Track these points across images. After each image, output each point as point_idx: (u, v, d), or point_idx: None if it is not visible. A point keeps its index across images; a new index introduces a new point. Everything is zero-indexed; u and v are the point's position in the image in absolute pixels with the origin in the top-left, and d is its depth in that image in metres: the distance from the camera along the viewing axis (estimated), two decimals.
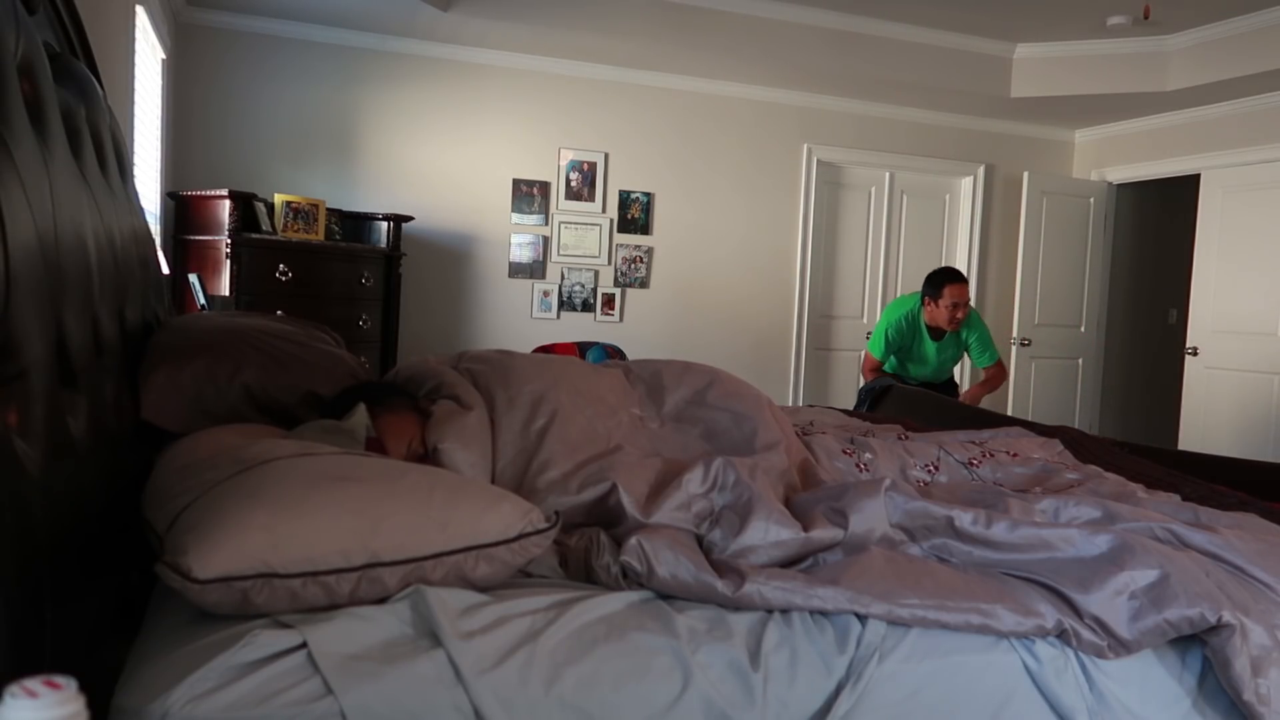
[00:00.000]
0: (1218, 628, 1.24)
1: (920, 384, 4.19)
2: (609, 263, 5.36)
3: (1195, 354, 5.51)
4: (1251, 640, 1.24)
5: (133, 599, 1.37)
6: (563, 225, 5.25)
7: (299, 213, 4.16)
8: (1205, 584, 1.28)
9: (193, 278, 3.53)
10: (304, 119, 4.76)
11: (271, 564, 1.05)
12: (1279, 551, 1.41)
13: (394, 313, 4.56)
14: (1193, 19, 4.73)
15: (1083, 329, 6.24)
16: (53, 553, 0.96)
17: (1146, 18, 4.50)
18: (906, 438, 2.15)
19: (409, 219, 4.66)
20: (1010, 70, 5.41)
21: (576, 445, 1.66)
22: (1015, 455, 2.05)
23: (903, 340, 4.17)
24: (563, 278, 5.29)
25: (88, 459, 1.15)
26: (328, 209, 4.39)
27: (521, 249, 5.19)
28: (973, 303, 6.08)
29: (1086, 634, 1.24)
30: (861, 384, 4.55)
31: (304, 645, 1.01)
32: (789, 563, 1.39)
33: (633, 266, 5.40)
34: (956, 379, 4.64)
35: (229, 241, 3.87)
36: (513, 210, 5.15)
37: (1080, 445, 2.22)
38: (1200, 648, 1.29)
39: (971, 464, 1.97)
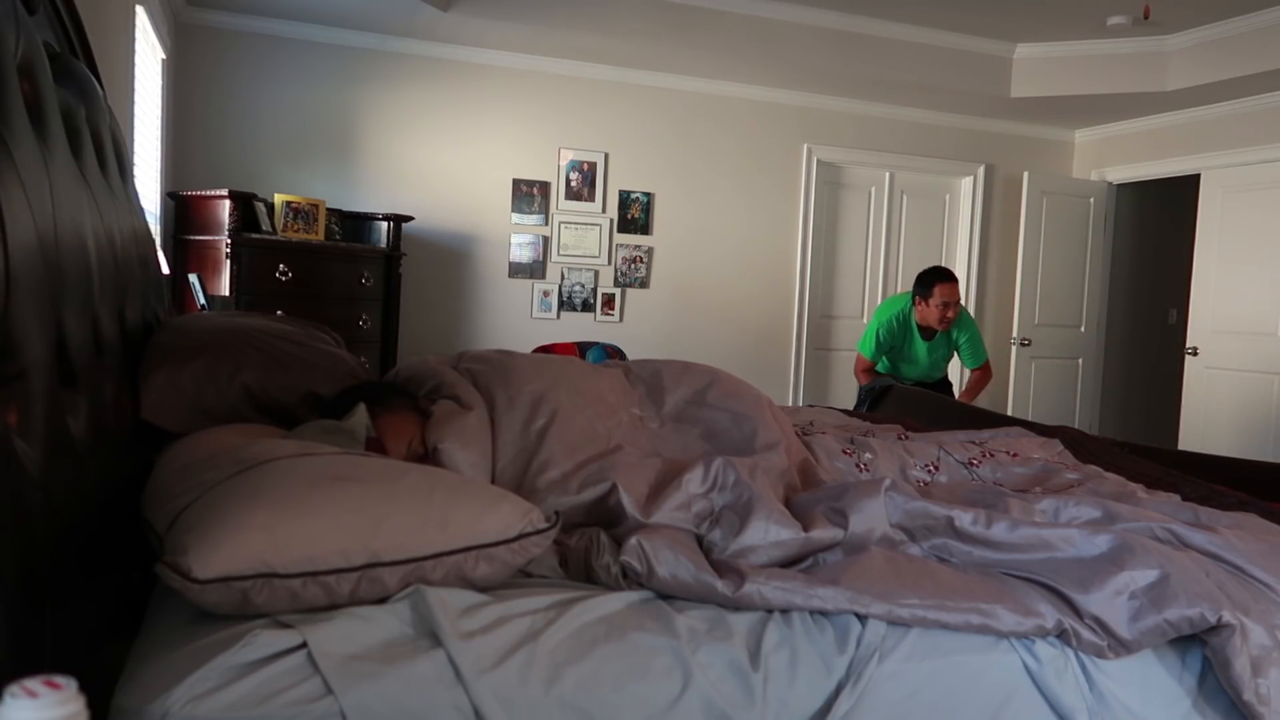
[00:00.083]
0: (1218, 628, 1.24)
1: (914, 384, 4.19)
2: (609, 263, 5.36)
3: (1195, 354, 5.51)
4: (1251, 640, 1.24)
5: (133, 599, 1.37)
6: (563, 225, 5.25)
7: (299, 213, 4.16)
8: (1205, 584, 1.28)
9: (193, 278, 3.53)
10: (304, 119, 4.76)
11: (271, 564, 1.05)
12: (1279, 551, 1.41)
13: (394, 313, 4.56)
14: (1193, 19, 4.74)
15: (1083, 329, 6.24)
16: (53, 553, 0.96)
17: (1146, 18, 4.50)
18: (906, 438, 2.15)
19: (409, 219, 4.66)
20: (1010, 70, 5.41)
21: (576, 445, 1.66)
22: (1015, 455, 2.05)
23: (894, 340, 4.16)
24: (563, 278, 5.29)
25: (88, 459, 1.15)
26: (328, 209, 4.39)
27: (521, 249, 5.19)
28: (972, 303, 6.11)
29: (1086, 634, 1.24)
30: (845, 385, 4.55)
31: (304, 645, 1.01)
32: (789, 563, 1.39)
33: (633, 266, 5.41)
34: (951, 378, 4.63)
35: (229, 241, 3.87)
36: (513, 210, 5.15)
37: (1080, 445, 2.22)
38: (1200, 648, 1.29)
39: (971, 464, 1.97)
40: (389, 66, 4.87)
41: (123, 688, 0.97)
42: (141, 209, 2.36)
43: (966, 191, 6.12)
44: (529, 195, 5.17)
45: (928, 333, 4.14)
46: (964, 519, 1.43)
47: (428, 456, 1.58)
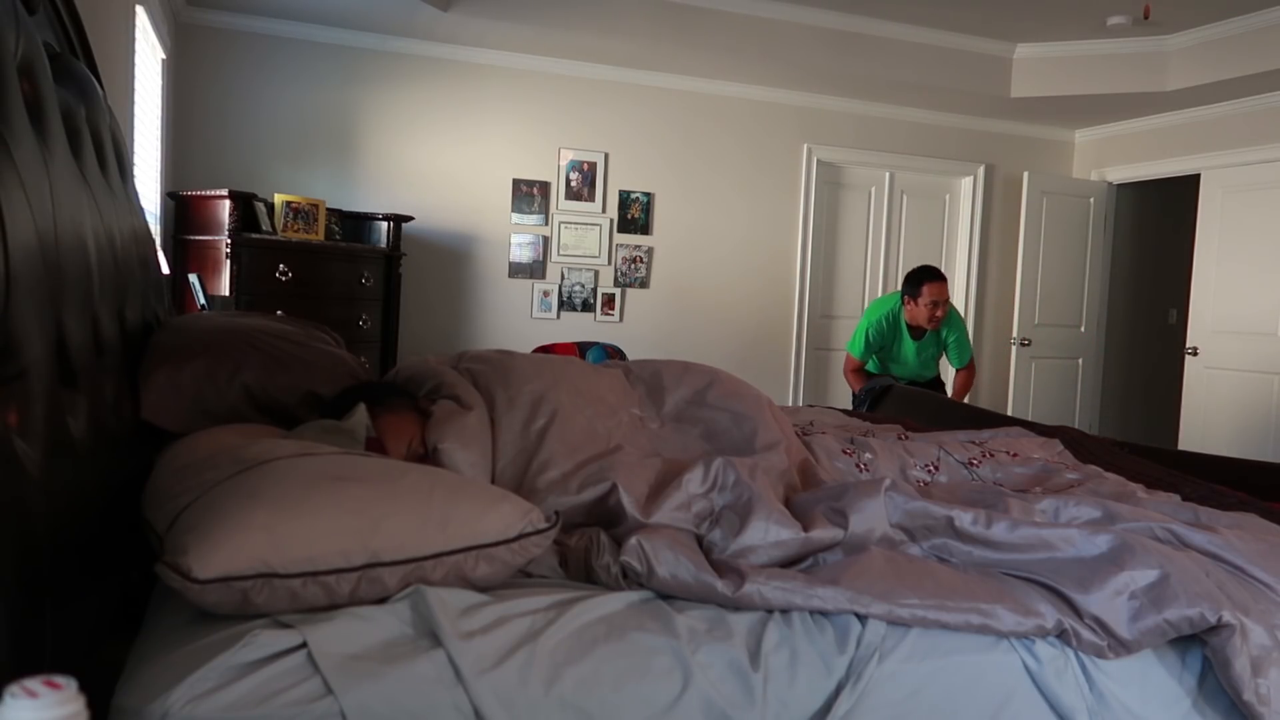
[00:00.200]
0: (1218, 628, 1.24)
1: (907, 384, 4.19)
2: (609, 263, 5.36)
3: (1195, 354, 5.51)
4: (1251, 640, 1.24)
5: (133, 599, 1.37)
6: (563, 225, 5.25)
7: (299, 213, 4.16)
8: (1205, 584, 1.28)
9: (193, 278, 3.53)
10: (304, 119, 4.76)
11: (271, 564, 1.05)
12: (1279, 551, 1.41)
13: (394, 313, 4.56)
14: (1193, 19, 4.73)
15: (1083, 329, 6.24)
16: (53, 553, 0.96)
17: (1146, 18, 4.50)
18: (906, 438, 2.15)
19: (409, 219, 4.66)
20: (1010, 70, 5.41)
21: (576, 445, 1.66)
22: (1015, 455, 2.05)
23: (883, 340, 4.16)
24: (563, 278, 5.29)
25: (88, 459, 1.15)
26: (328, 209, 4.39)
27: (521, 249, 5.19)
28: (972, 303, 6.11)
29: (1086, 634, 1.24)
30: (845, 385, 4.55)
31: (304, 645, 1.01)
32: (789, 563, 1.39)
33: (633, 266, 5.40)
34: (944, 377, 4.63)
35: (229, 241, 3.87)
36: (513, 210, 5.15)
37: (1080, 445, 2.22)
38: (1200, 648, 1.29)
39: (971, 464, 1.97)
40: (389, 66, 4.87)
41: (123, 688, 0.97)
42: (141, 209, 2.36)
43: (966, 191, 6.12)
44: (529, 195, 5.17)
45: (917, 332, 4.14)
46: (964, 519, 1.43)
47: (428, 456, 1.58)
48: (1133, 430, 6.49)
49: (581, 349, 4.21)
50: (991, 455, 2.02)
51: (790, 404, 5.36)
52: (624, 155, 5.34)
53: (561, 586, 1.28)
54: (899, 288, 4.21)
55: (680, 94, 5.42)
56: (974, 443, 2.11)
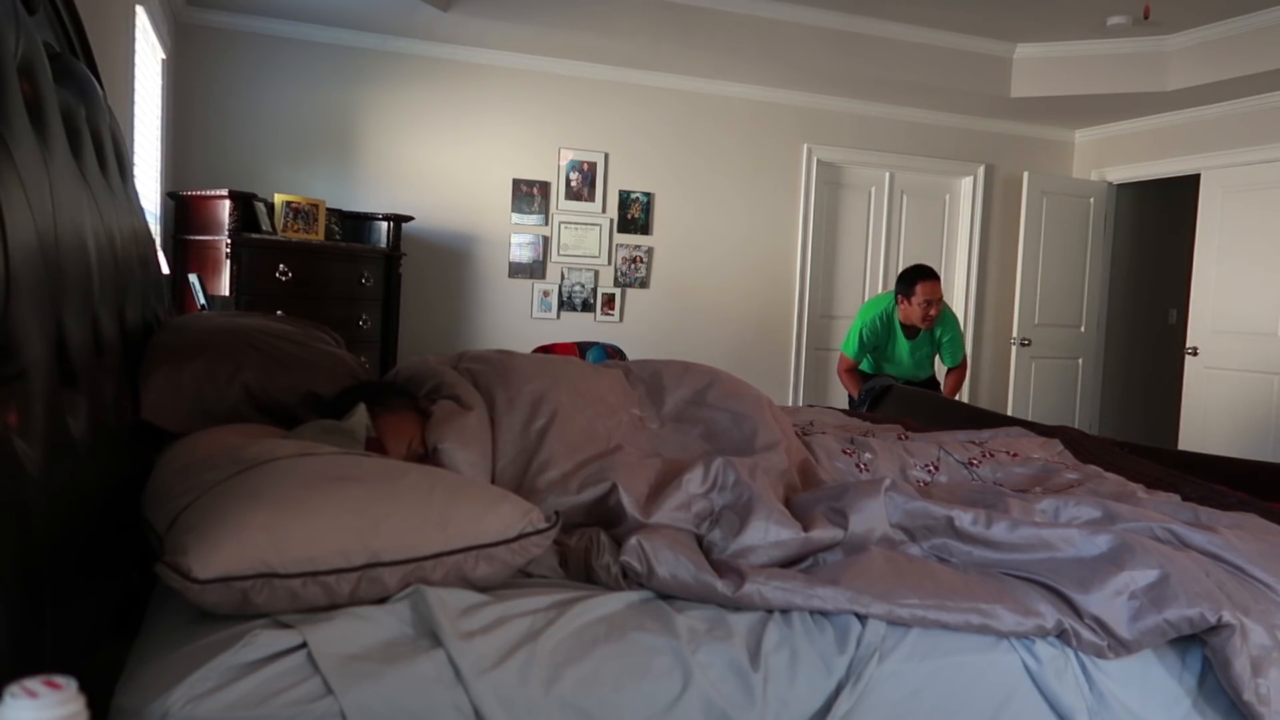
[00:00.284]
0: (1218, 628, 1.24)
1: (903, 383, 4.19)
2: (609, 263, 5.36)
3: (1195, 354, 5.51)
4: (1251, 640, 1.24)
5: (133, 599, 1.37)
6: (563, 225, 5.25)
7: (299, 213, 4.16)
8: (1205, 584, 1.28)
9: (193, 278, 3.53)
10: (304, 119, 4.76)
11: (271, 564, 1.05)
12: (1279, 551, 1.41)
13: (394, 313, 4.56)
14: (1193, 19, 4.74)
15: (1083, 329, 6.24)
16: (53, 553, 0.96)
17: (1146, 18, 4.50)
18: (906, 438, 2.15)
19: (409, 219, 4.66)
20: (1010, 70, 5.41)
21: (576, 445, 1.66)
22: (1015, 455, 2.05)
23: (877, 340, 4.16)
24: (563, 278, 5.29)
25: (88, 459, 1.15)
26: (328, 209, 4.39)
27: (521, 249, 5.19)
28: (972, 303, 6.11)
29: (1086, 634, 1.24)
30: (839, 384, 4.55)
31: (304, 645, 1.01)
32: (789, 563, 1.39)
33: (633, 266, 5.41)
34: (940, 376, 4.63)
35: (229, 241, 3.87)
36: (513, 210, 5.15)
37: (1080, 445, 2.22)
38: (1200, 648, 1.29)
39: (971, 464, 1.97)
40: (389, 66, 4.87)
41: (123, 688, 0.97)
42: (141, 209, 2.36)
43: (966, 191, 6.12)
44: (529, 195, 5.17)
45: (911, 331, 4.14)
46: (964, 519, 1.43)
47: (428, 456, 1.58)
48: (1133, 430, 6.50)
49: (581, 349, 4.21)
50: (991, 455, 2.02)
51: (790, 404, 5.36)
52: (624, 155, 5.34)
53: (561, 586, 1.28)
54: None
55: (680, 94, 5.42)
56: (974, 443, 2.11)
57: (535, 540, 1.23)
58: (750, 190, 5.60)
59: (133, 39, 3.29)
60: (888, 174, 5.94)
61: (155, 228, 3.82)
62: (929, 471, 1.93)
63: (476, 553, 1.18)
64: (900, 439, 2.11)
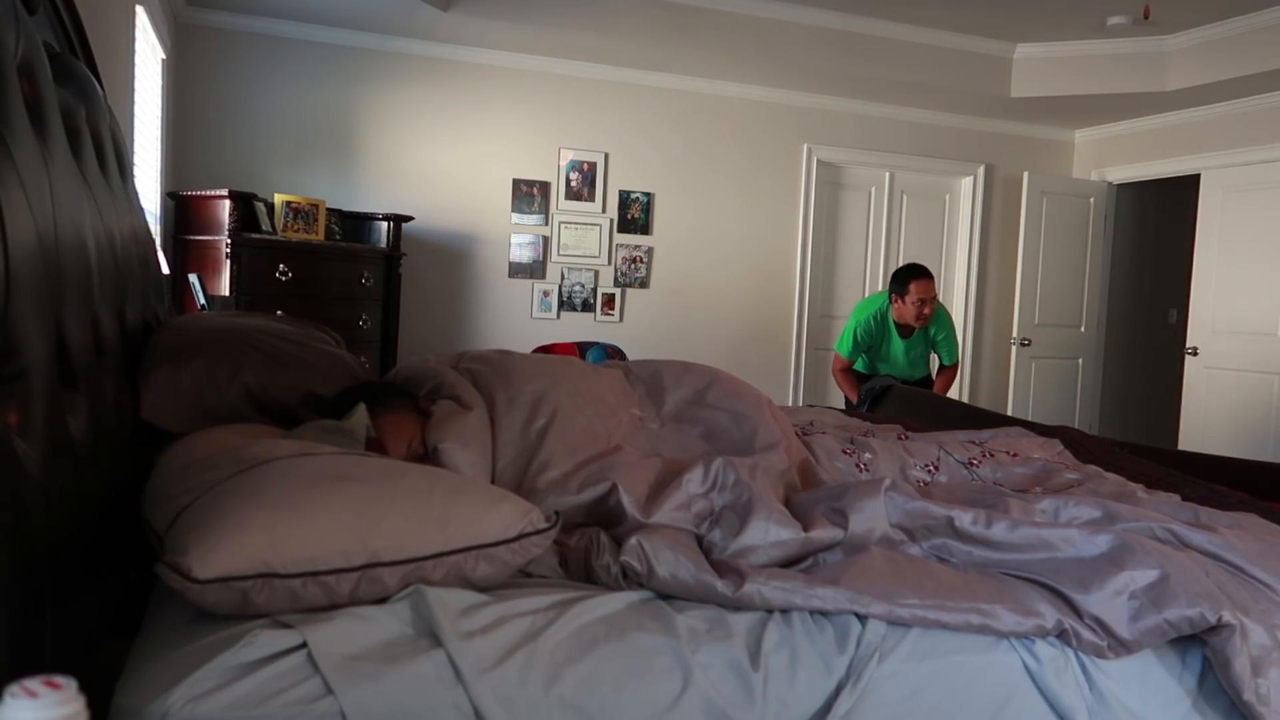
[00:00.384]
0: (1218, 628, 1.24)
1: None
2: (609, 263, 5.36)
3: (1195, 354, 5.51)
4: (1251, 640, 1.24)
5: (133, 599, 1.37)
6: (563, 225, 5.25)
7: (299, 213, 4.16)
8: (1205, 584, 1.28)
9: (193, 278, 3.53)
10: (304, 119, 4.76)
11: (271, 564, 1.05)
12: (1279, 551, 1.41)
13: (394, 313, 4.56)
14: (1193, 19, 4.74)
15: (1083, 329, 6.24)
16: (53, 553, 0.96)
17: (1146, 18, 4.50)
18: (906, 438, 2.15)
19: (409, 219, 4.66)
20: (1010, 70, 5.41)
21: (576, 445, 1.66)
22: (1015, 455, 2.05)
23: (871, 339, 4.16)
24: (563, 278, 5.29)
25: (88, 459, 1.15)
26: (328, 209, 4.39)
27: (521, 249, 5.19)
28: (972, 303, 6.11)
29: (1086, 634, 1.24)
30: (833, 385, 4.55)
31: (304, 645, 1.01)
32: (789, 563, 1.39)
33: (633, 266, 5.41)
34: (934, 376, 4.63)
35: (229, 241, 3.87)
36: (513, 210, 5.15)
37: (1080, 445, 2.22)
38: (1200, 648, 1.29)
39: (971, 464, 1.97)
40: (389, 66, 4.87)
41: (123, 688, 0.97)
42: (141, 209, 2.36)
43: (966, 191, 6.12)
44: (529, 195, 5.17)
45: (905, 330, 4.15)
46: (964, 519, 1.43)
47: (428, 456, 1.58)
48: (1133, 430, 6.50)
49: (581, 349, 4.22)
50: (991, 455, 2.02)
51: (790, 404, 5.36)
52: (624, 155, 5.34)
53: (561, 586, 1.28)
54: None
55: (680, 94, 5.42)
56: (974, 443, 2.11)
57: (535, 540, 1.23)
58: (750, 190, 5.60)
59: (133, 39, 3.29)
60: (888, 174, 5.94)
61: (155, 228, 3.82)
62: (929, 471, 1.93)
63: (476, 553, 1.18)
64: (900, 439, 2.11)
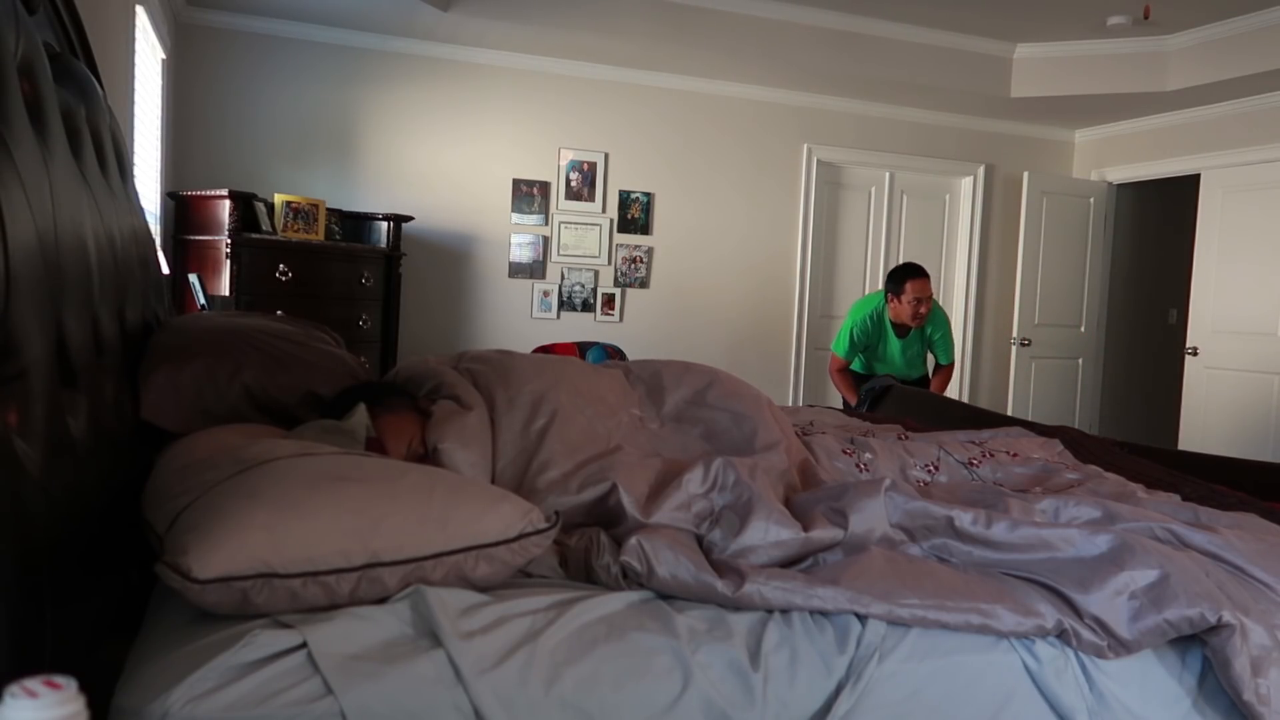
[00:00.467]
0: (1218, 628, 1.24)
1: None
2: (609, 263, 5.36)
3: (1195, 354, 5.51)
4: (1251, 640, 1.24)
5: (133, 599, 1.37)
6: (563, 225, 5.25)
7: (299, 213, 4.16)
8: (1205, 584, 1.28)
9: (193, 278, 3.53)
10: (304, 119, 4.76)
11: (271, 564, 1.05)
12: (1279, 551, 1.41)
13: (394, 313, 4.56)
14: (1193, 19, 4.74)
15: (1083, 329, 6.24)
16: (53, 553, 0.96)
17: (1146, 18, 4.50)
18: (906, 438, 2.15)
19: (409, 219, 4.66)
20: (1010, 70, 5.41)
21: (576, 445, 1.66)
22: (1015, 455, 2.05)
23: (868, 339, 4.16)
24: (563, 278, 5.29)
25: (88, 459, 1.15)
26: (328, 209, 4.39)
27: (521, 249, 5.19)
28: (972, 302, 6.11)
29: (1086, 634, 1.24)
30: (830, 385, 4.55)
31: (304, 645, 1.01)
32: (789, 563, 1.39)
33: (633, 266, 5.41)
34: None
35: (229, 241, 3.87)
36: (513, 210, 5.15)
37: (1080, 445, 2.22)
38: (1200, 648, 1.29)
39: (971, 464, 1.97)
40: (389, 66, 4.87)
41: (123, 688, 0.97)
42: (141, 209, 2.36)
43: (966, 191, 6.12)
44: (529, 195, 5.17)
45: (901, 330, 4.15)
46: (964, 519, 1.43)
47: (428, 456, 1.58)
48: (1133, 430, 6.50)
49: (581, 349, 4.22)
50: (991, 455, 2.02)
51: (790, 404, 5.36)
52: (624, 155, 5.34)
53: (561, 586, 1.28)
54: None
55: (680, 94, 5.42)
56: (974, 443, 2.11)
57: (535, 540, 1.23)
58: (750, 190, 5.60)
59: (133, 39, 3.29)
60: (888, 174, 5.94)
61: (155, 228, 3.82)
62: (929, 471, 1.93)
63: (476, 553, 1.18)
64: (900, 439, 2.11)
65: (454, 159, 5.02)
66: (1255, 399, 5.18)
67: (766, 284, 5.68)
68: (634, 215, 5.39)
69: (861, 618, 1.23)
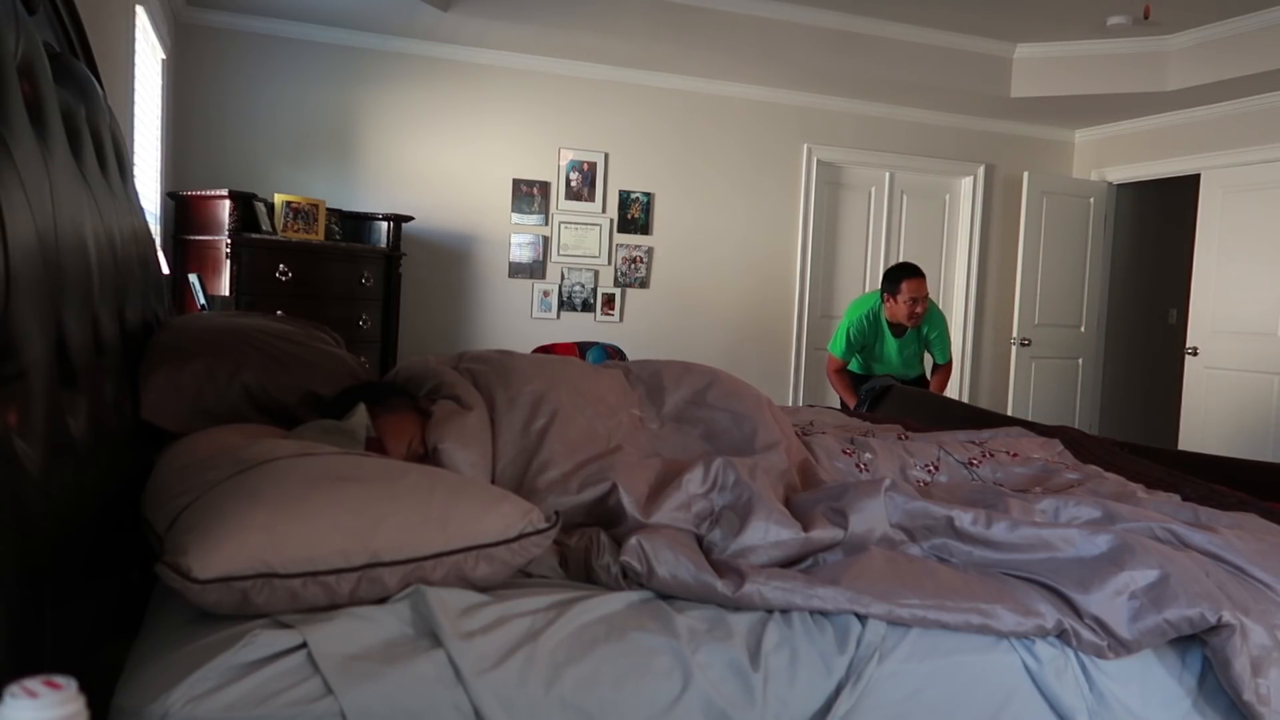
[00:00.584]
0: (1218, 628, 1.24)
1: None
2: (609, 263, 5.36)
3: (1195, 354, 5.51)
4: (1251, 640, 1.24)
5: (133, 599, 1.37)
6: (563, 225, 5.25)
7: (299, 213, 4.16)
8: (1205, 584, 1.28)
9: (193, 278, 3.53)
10: (304, 119, 4.76)
11: (271, 564, 1.05)
12: (1279, 551, 1.41)
13: (394, 313, 4.56)
14: (1193, 19, 4.74)
15: (1083, 329, 6.24)
16: (53, 553, 0.96)
17: (1146, 18, 4.50)
18: (906, 438, 2.15)
19: (409, 219, 4.66)
20: (1010, 70, 5.41)
21: (576, 445, 1.66)
22: (1015, 455, 2.05)
23: (864, 339, 4.16)
24: (563, 278, 5.29)
25: (88, 459, 1.15)
26: (328, 209, 4.39)
27: (521, 249, 5.19)
28: (972, 303, 6.11)
29: (1086, 634, 1.24)
30: (828, 385, 4.55)
31: (304, 645, 1.01)
32: (789, 563, 1.39)
33: (633, 266, 5.41)
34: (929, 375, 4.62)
35: (229, 241, 3.87)
36: (513, 210, 5.15)
37: (1080, 445, 2.22)
38: (1200, 648, 1.29)
39: (971, 464, 1.97)
40: (389, 66, 4.87)
41: (123, 688, 0.97)
42: (141, 209, 2.36)
43: (966, 191, 6.12)
44: (529, 195, 5.17)
45: (898, 330, 4.15)
46: (964, 519, 1.43)
47: (428, 456, 1.58)
48: (1133, 430, 6.50)
49: (581, 349, 4.22)
50: (991, 455, 2.02)
51: (790, 404, 5.36)
52: (624, 155, 5.34)
53: (561, 586, 1.28)
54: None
55: (680, 94, 5.42)
56: (974, 443, 2.11)
57: (535, 540, 1.23)
58: (750, 190, 5.60)
59: (133, 39, 3.29)
60: (888, 174, 5.94)
61: (155, 228, 3.82)
62: (929, 471, 1.93)
63: (476, 553, 1.18)
64: (900, 439, 2.11)
65: (454, 159, 5.02)
66: (1255, 399, 5.18)
67: (766, 284, 5.68)
68: (634, 215, 5.39)
69: (861, 618, 1.23)
